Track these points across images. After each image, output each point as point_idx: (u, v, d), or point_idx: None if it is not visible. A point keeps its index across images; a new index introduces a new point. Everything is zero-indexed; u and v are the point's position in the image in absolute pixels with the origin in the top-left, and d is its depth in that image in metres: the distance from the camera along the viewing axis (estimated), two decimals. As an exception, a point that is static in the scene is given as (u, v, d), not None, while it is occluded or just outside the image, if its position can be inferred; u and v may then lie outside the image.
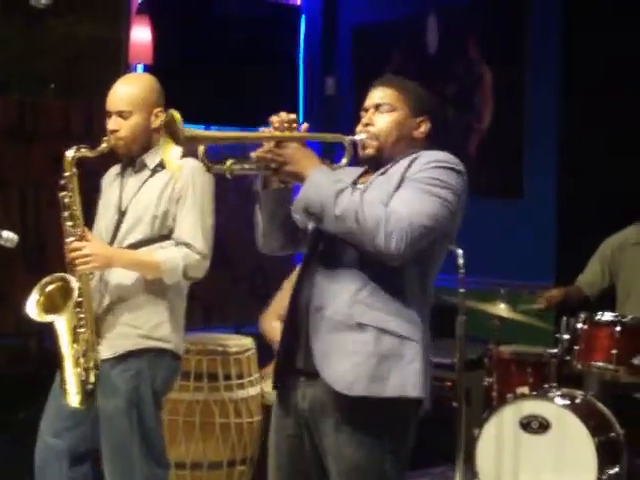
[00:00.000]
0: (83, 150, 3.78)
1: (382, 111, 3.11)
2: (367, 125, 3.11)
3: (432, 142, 3.18)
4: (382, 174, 3.06)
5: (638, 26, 6.29)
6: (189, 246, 3.83)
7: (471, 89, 7.54)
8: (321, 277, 2.99)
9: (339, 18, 8.56)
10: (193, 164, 3.80)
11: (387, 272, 2.92)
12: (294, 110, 8.39)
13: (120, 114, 3.88)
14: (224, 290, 7.42)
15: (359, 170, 3.20)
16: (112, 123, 3.89)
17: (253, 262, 7.26)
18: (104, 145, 3.84)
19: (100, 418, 3.84)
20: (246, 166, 2.91)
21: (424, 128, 3.16)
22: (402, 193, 2.93)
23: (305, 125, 2.98)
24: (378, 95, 3.15)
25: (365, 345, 2.91)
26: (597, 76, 6.43)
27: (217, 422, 4.99)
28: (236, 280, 7.62)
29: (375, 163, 3.13)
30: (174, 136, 2.78)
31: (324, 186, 2.84)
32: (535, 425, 4.80)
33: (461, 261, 4.85)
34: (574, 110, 6.65)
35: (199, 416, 4.98)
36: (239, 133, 2.97)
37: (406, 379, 2.93)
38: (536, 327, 5.30)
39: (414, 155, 3.03)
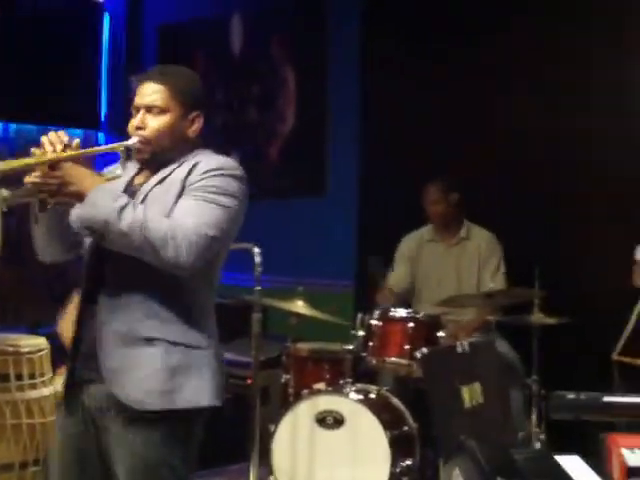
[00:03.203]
0: None
1: (154, 113, 3.02)
2: (139, 128, 3.02)
3: (204, 137, 3.15)
4: (159, 183, 3.00)
5: (434, 29, 6.48)
6: None
7: (274, 90, 7.60)
8: (108, 290, 2.94)
9: (144, 16, 8.50)
10: None
11: (174, 283, 2.91)
12: (97, 108, 8.29)
13: None
14: (19, 290, 7.25)
15: (134, 167, 3.13)
16: None
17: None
18: None
19: None
20: (21, 194, 2.82)
21: (197, 125, 3.10)
22: (184, 204, 2.92)
23: (76, 141, 2.89)
24: (149, 94, 3.03)
25: (154, 359, 2.90)
26: (397, 78, 6.59)
27: (8, 423, 4.86)
28: (32, 280, 7.45)
29: (150, 165, 3.08)
30: None
31: (106, 203, 2.79)
32: (330, 420, 4.83)
33: (258, 259, 4.86)
34: (375, 110, 6.80)
35: (-10, 418, 4.86)
36: (10, 163, 2.78)
37: (198, 390, 2.94)
38: (336, 324, 5.36)
39: (192, 161, 3.02)
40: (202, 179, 2.95)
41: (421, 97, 6.46)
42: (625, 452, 2.18)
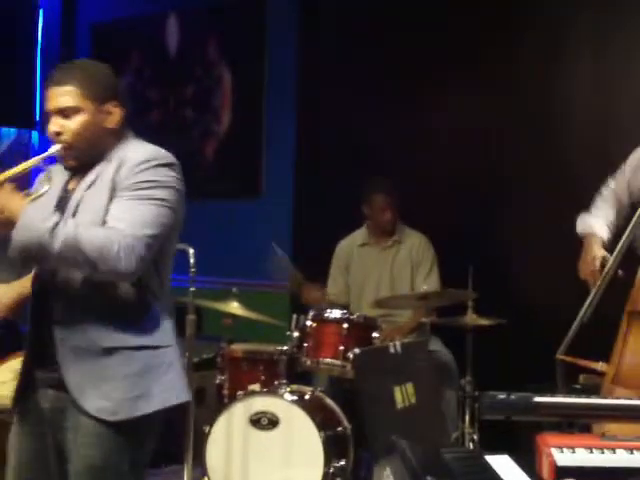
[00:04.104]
0: None
1: (68, 116, 2.93)
2: (58, 134, 2.95)
3: (130, 122, 3.09)
4: (89, 187, 2.94)
5: (371, 33, 6.51)
6: None
7: (210, 90, 7.57)
8: (58, 306, 2.91)
9: (79, 15, 8.42)
10: None
11: (126, 289, 2.89)
12: (31, 107, 8.20)
13: None
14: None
15: (65, 173, 3.06)
16: None
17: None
18: None
19: None
20: None
21: (116, 115, 3.01)
22: (118, 207, 2.86)
23: None
24: (58, 97, 2.94)
25: (118, 368, 2.88)
26: (333, 80, 6.59)
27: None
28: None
29: (79, 168, 3.01)
30: None
31: (36, 226, 2.74)
32: (264, 421, 4.83)
33: (192, 260, 4.85)
34: (312, 112, 6.80)
35: None
36: None
37: (169, 388, 2.95)
38: (271, 325, 5.36)
39: (120, 155, 2.95)
40: (132, 175, 2.88)
41: (358, 99, 6.48)
42: (554, 452, 2.19)
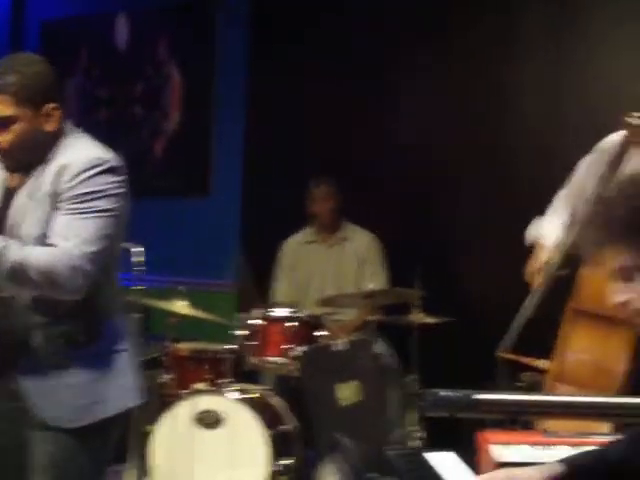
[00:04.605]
0: None
1: (4, 125, 2.84)
2: None
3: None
4: (31, 195, 2.88)
5: (321, 31, 6.52)
6: None
7: (159, 89, 7.54)
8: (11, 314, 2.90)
9: (27, 12, 8.35)
10: None
11: (77, 300, 2.85)
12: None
13: None
14: None
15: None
16: None
17: None
18: None
19: None
20: None
21: (54, 118, 2.92)
22: (60, 222, 2.81)
23: None
24: None
25: (72, 376, 2.88)
26: (283, 78, 6.58)
27: None
28: None
29: (20, 170, 2.95)
30: None
31: None
32: (209, 420, 4.81)
33: (139, 259, 4.82)
34: (261, 111, 6.79)
35: None
36: None
37: (124, 393, 2.95)
38: (218, 324, 5.34)
39: (59, 159, 2.89)
40: (73, 187, 2.82)
41: (306, 98, 6.47)
42: (494, 448, 2.21)
